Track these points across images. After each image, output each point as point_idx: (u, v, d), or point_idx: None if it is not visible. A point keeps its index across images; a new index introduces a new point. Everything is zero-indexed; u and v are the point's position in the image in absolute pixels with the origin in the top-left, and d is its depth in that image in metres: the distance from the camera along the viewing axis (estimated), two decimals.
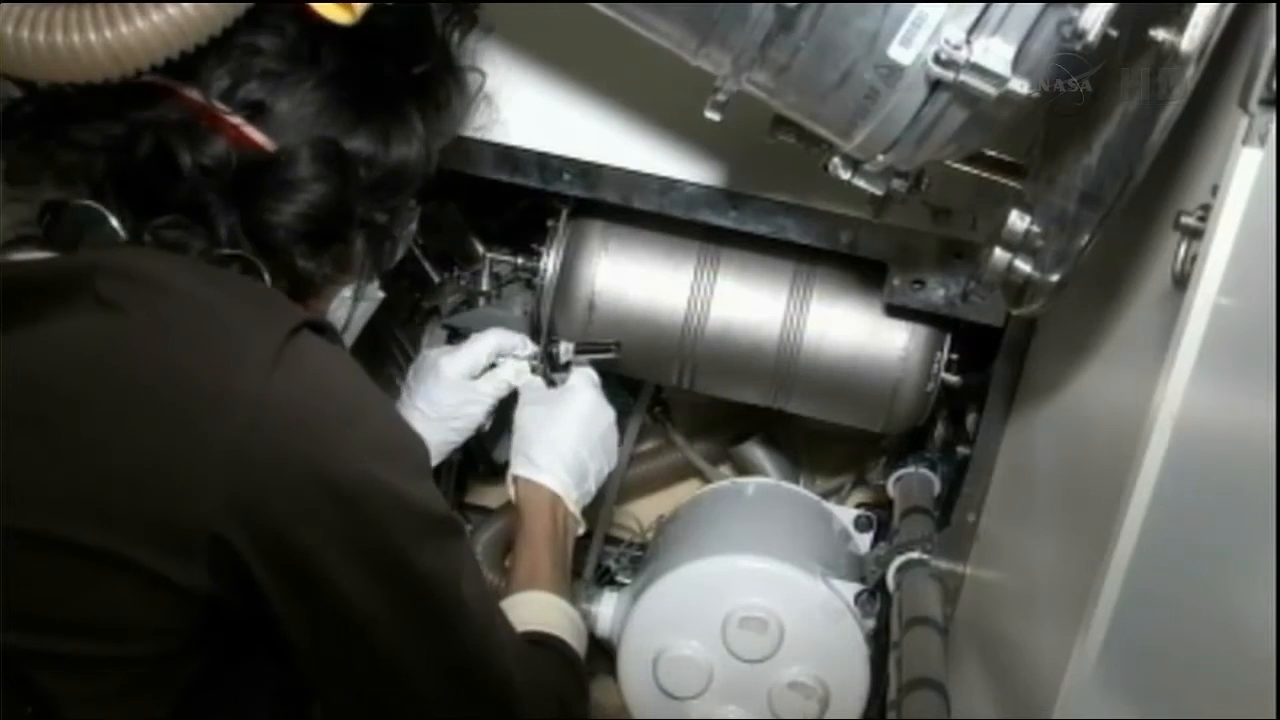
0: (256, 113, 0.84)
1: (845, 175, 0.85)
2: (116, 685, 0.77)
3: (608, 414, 1.20)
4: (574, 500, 1.13)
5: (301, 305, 0.87)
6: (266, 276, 0.85)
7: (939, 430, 1.33)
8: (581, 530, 1.16)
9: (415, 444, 0.85)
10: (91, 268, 0.79)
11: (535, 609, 1.01)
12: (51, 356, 0.77)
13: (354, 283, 0.96)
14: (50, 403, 0.76)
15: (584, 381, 1.21)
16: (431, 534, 0.82)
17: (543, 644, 0.98)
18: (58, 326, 0.78)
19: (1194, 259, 0.67)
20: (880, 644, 1.20)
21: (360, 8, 0.83)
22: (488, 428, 1.21)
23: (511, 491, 1.14)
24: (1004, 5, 0.71)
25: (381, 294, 1.01)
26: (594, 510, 1.26)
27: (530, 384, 1.21)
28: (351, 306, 0.97)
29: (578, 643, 1.02)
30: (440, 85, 0.94)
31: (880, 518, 1.36)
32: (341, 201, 0.87)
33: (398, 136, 0.89)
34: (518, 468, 1.14)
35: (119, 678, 0.77)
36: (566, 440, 1.15)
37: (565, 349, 1.21)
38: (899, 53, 0.73)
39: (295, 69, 0.85)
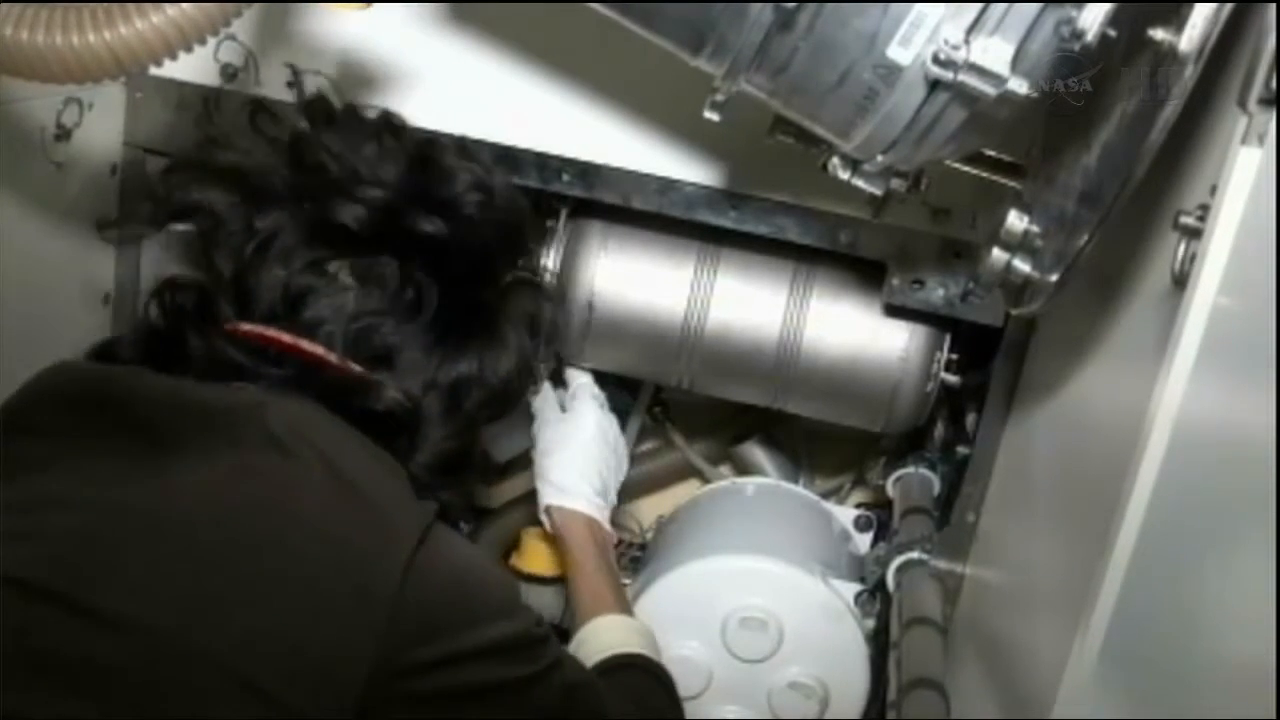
0: (386, 367, 0.87)
1: (844, 175, 0.85)
2: None
3: (614, 425, 1.25)
4: (604, 517, 1.19)
5: None
6: None
7: (939, 430, 1.33)
8: (615, 540, 1.21)
9: (511, 589, 0.89)
10: (260, 406, 0.80)
11: (612, 634, 1.06)
12: (231, 492, 0.77)
13: None
14: (227, 538, 0.75)
15: (587, 396, 1.25)
16: (538, 648, 0.87)
17: (628, 665, 1.03)
18: (237, 462, 0.78)
19: (1193, 259, 0.67)
20: (880, 644, 1.20)
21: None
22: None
23: (547, 522, 1.19)
24: (1003, 5, 0.71)
25: None
26: None
27: (543, 402, 1.24)
28: None
29: (654, 652, 1.07)
30: (527, 296, 0.98)
31: (880, 518, 1.36)
32: (467, 444, 0.93)
33: (497, 355, 0.93)
34: (549, 497, 1.18)
35: None
36: (586, 460, 1.19)
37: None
38: (897, 53, 0.73)
39: (406, 318, 0.88)
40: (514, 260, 0.98)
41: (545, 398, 1.25)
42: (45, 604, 0.70)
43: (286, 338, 0.84)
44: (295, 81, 1.07)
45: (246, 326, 0.85)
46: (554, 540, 1.19)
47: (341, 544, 0.76)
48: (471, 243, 0.91)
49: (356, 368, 0.86)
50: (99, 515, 0.74)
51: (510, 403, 0.98)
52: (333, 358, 0.85)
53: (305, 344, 0.84)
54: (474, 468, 0.98)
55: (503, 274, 0.96)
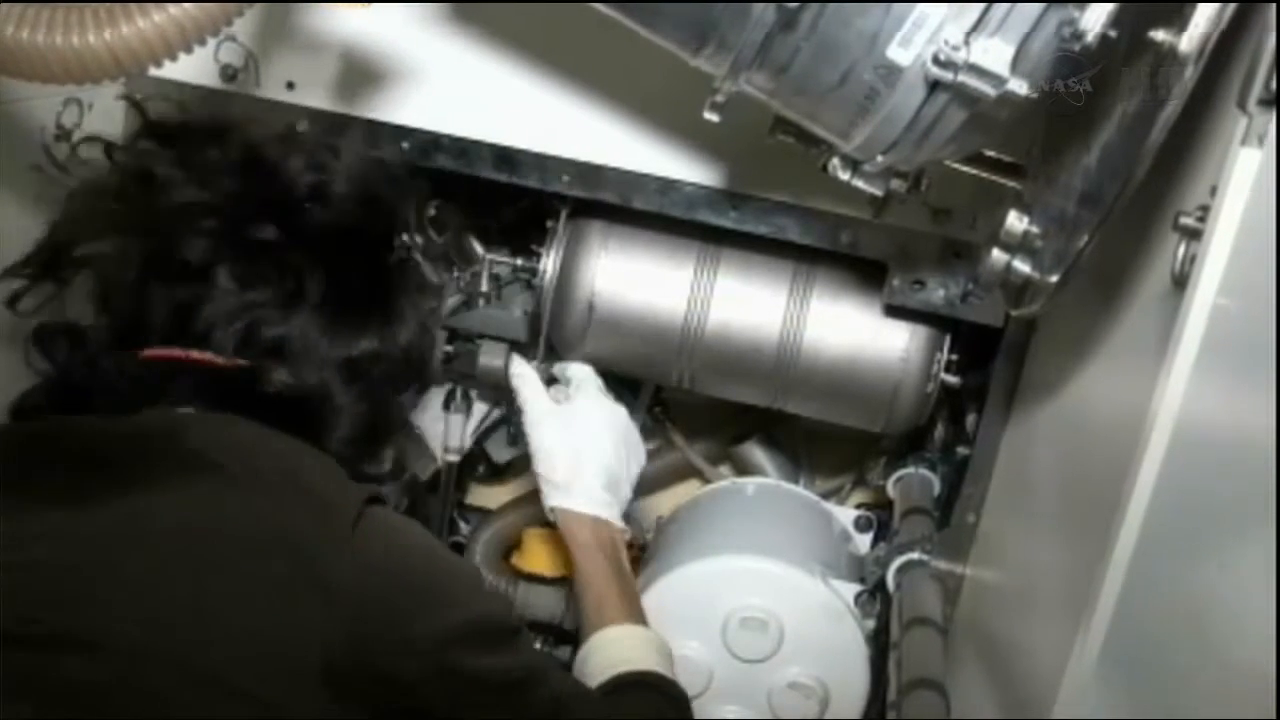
0: (275, 357, 0.88)
1: (845, 175, 0.85)
2: None
3: (620, 414, 1.21)
4: (615, 514, 1.14)
5: None
6: None
7: (939, 430, 1.33)
8: (629, 537, 1.16)
9: (468, 574, 0.91)
10: (177, 427, 0.83)
11: (616, 648, 1.03)
12: (171, 515, 0.79)
13: None
14: (177, 555, 0.77)
15: (590, 388, 1.22)
16: (510, 639, 0.87)
17: (636, 684, 0.99)
18: (169, 489, 0.80)
19: (1193, 259, 0.67)
20: (880, 644, 1.20)
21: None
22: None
23: (550, 516, 1.15)
24: (1004, 6, 0.71)
25: None
26: None
27: (534, 394, 1.21)
28: None
29: (664, 662, 1.03)
30: (415, 267, 0.99)
31: (880, 518, 1.36)
32: (377, 413, 0.94)
33: (394, 328, 0.94)
34: (551, 499, 1.14)
35: None
36: (595, 455, 1.15)
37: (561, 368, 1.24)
38: (898, 53, 0.73)
39: (290, 306, 0.89)
40: (389, 231, 0.97)
41: (534, 394, 1.20)
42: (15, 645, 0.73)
43: (177, 352, 0.87)
44: (136, 104, 1.08)
45: (148, 351, 0.88)
46: (557, 539, 1.17)
47: (282, 535, 0.78)
48: (333, 225, 0.91)
49: (239, 362, 0.87)
50: (54, 551, 0.77)
51: (418, 370, 0.99)
52: (219, 360, 0.87)
53: (194, 354, 0.87)
54: (394, 438, 0.98)
55: (383, 247, 0.96)
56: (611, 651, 1.02)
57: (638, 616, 1.08)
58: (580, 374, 1.24)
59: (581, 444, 1.16)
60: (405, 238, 0.99)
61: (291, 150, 0.94)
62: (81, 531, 0.77)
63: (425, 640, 0.80)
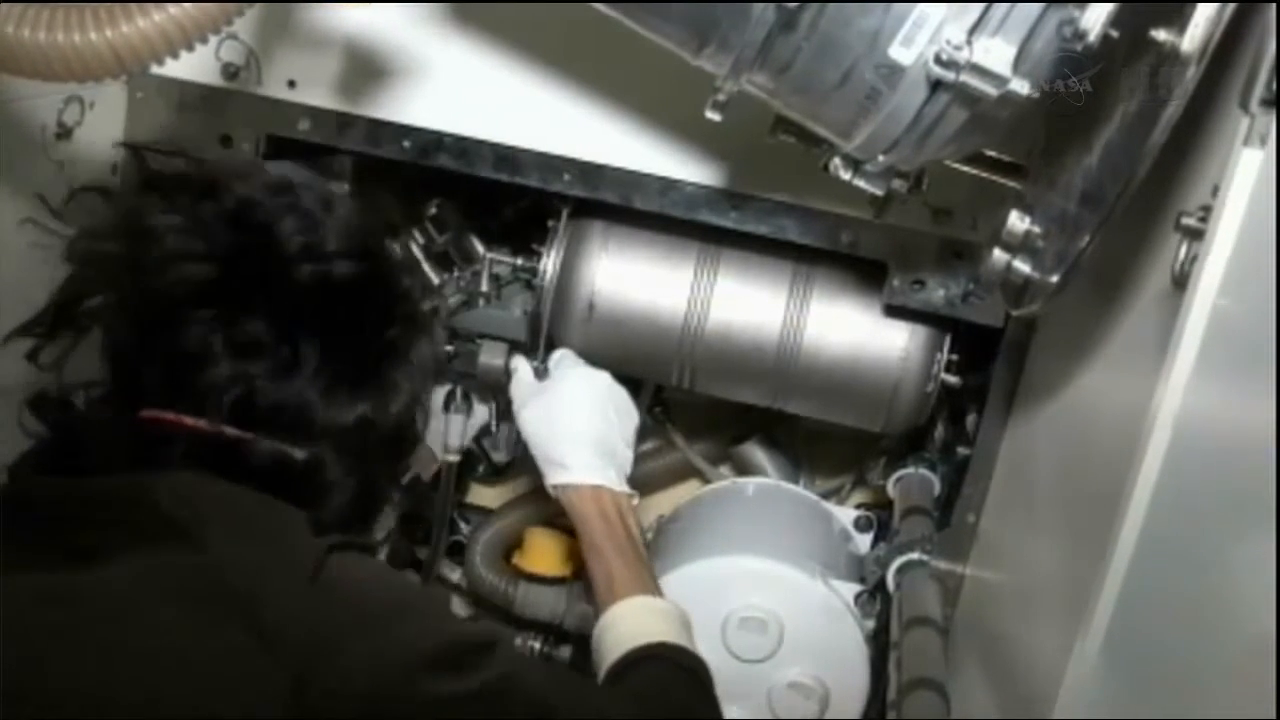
0: (269, 426, 0.87)
1: (846, 175, 0.85)
2: None
3: (600, 378, 1.20)
4: (615, 479, 1.13)
5: None
6: None
7: (939, 430, 1.33)
8: (636, 501, 1.15)
9: (432, 602, 0.89)
10: (149, 488, 0.82)
11: (628, 622, 1.01)
12: (122, 583, 0.78)
13: None
14: (126, 628, 0.76)
15: (566, 362, 1.22)
16: (477, 656, 0.84)
17: (647, 658, 0.97)
18: (127, 553, 0.79)
19: (1194, 260, 0.67)
20: (880, 644, 1.20)
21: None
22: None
23: (552, 494, 1.14)
24: (1005, 5, 0.71)
25: None
26: None
27: (520, 381, 1.21)
28: None
29: (675, 629, 1.01)
30: (409, 338, 0.96)
31: (880, 518, 1.36)
32: (368, 484, 0.93)
33: (386, 399, 0.93)
34: (550, 477, 1.13)
35: None
36: (579, 424, 1.14)
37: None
38: (900, 53, 0.73)
39: (285, 375, 0.88)
40: (385, 292, 0.95)
41: (518, 383, 1.21)
42: None
43: (170, 416, 0.86)
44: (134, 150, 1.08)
45: (145, 412, 0.87)
46: (558, 538, 1.17)
47: (235, 596, 0.77)
48: (327, 287, 0.90)
49: (234, 432, 0.86)
50: (5, 617, 0.76)
51: (406, 448, 0.99)
52: (214, 429, 0.86)
53: (188, 420, 0.86)
54: (384, 507, 0.98)
55: (379, 310, 0.94)
56: (622, 628, 1.00)
57: (648, 585, 1.06)
58: (558, 355, 1.24)
59: (567, 416, 1.15)
60: (401, 309, 0.97)
61: (284, 209, 0.91)
62: (35, 598, 0.77)
63: (388, 681, 0.78)
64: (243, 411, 0.86)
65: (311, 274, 0.88)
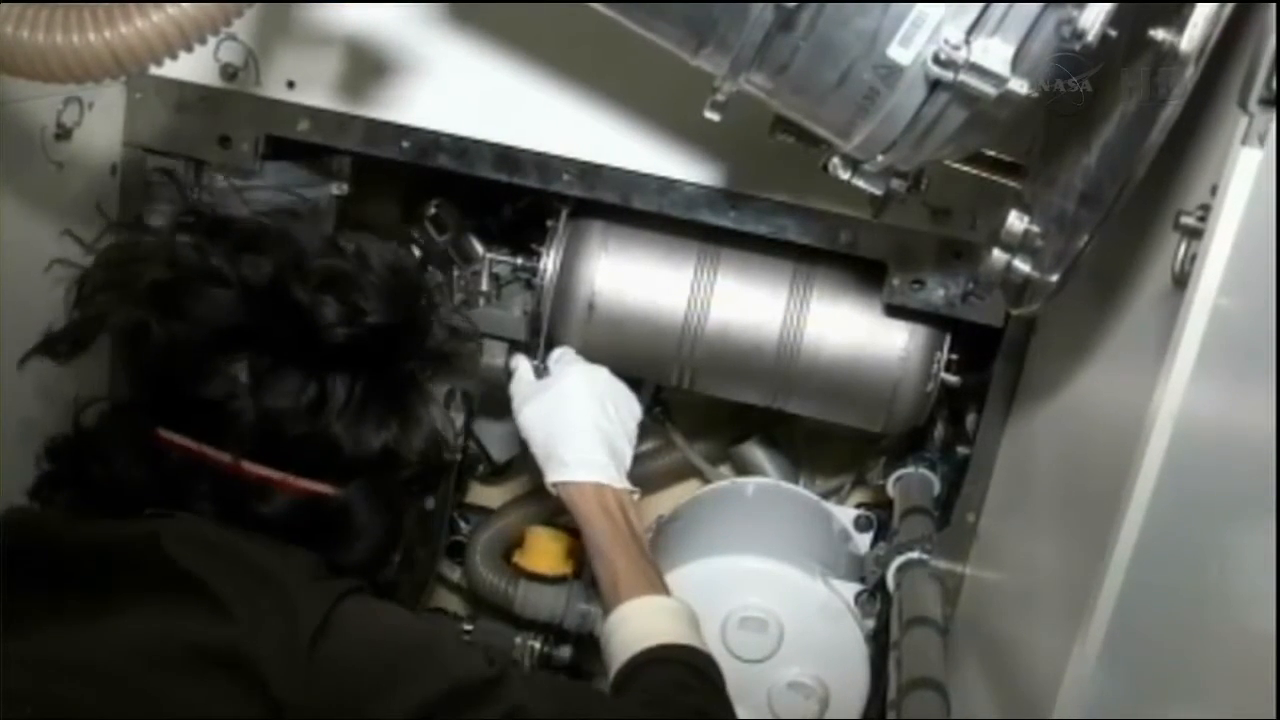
0: (293, 465, 0.87)
1: (845, 175, 0.85)
2: None
3: (600, 374, 1.20)
4: (615, 476, 1.12)
5: None
6: None
7: (939, 430, 1.33)
8: (637, 497, 1.14)
9: (440, 643, 0.86)
10: (154, 537, 0.81)
11: (636, 623, 1.00)
12: (124, 637, 0.78)
13: None
14: (127, 683, 0.76)
15: (565, 358, 1.21)
16: (483, 694, 0.83)
17: (658, 660, 0.96)
18: (129, 605, 0.79)
19: (1193, 259, 0.67)
20: (880, 644, 1.20)
21: None
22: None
23: (553, 492, 1.13)
24: (1003, 5, 0.71)
25: None
26: None
27: (520, 380, 1.21)
28: None
29: (680, 628, 1.00)
30: (442, 372, 0.97)
31: (880, 518, 1.36)
32: (394, 523, 0.92)
33: (412, 431, 0.92)
34: (550, 474, 1.13)
35: None
36: (579, 421, 1.14)
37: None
38: (898, 53, 0.73)
39: (312, 413, 0.87)
40: (414, 339, 0.95)
41: (518, 381, 1.21)
42: None
43: (191, 445, 0.86)
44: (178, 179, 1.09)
45: (164, 434, 0.87)
46: (559, 537, 1.16)
47: (236, 652, 0.76)
48: (360, 339, 0.89)
49: (254, 468, 0.86)
50: (33, 676, 0.76)
51: (432, 477, 0.99)
52: (240, 465, 0.86)
53: (210, 451, 0.86)
54: (407, 544, 0.96)
55: (407, 354, 0.94)
56: (629, 629, 0.99)
57: (654, 582, 1.05)
58: (557, 353, 1.23)
59: (566, 413, 1.15)
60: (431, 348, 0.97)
61: (324, 276, 0.90)
62: (36, 653, 0.77)
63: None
64: (267, 447, 0.86)
65: (343, 336, 0.88)
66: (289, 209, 1.04)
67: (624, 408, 1.19)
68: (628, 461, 1.16)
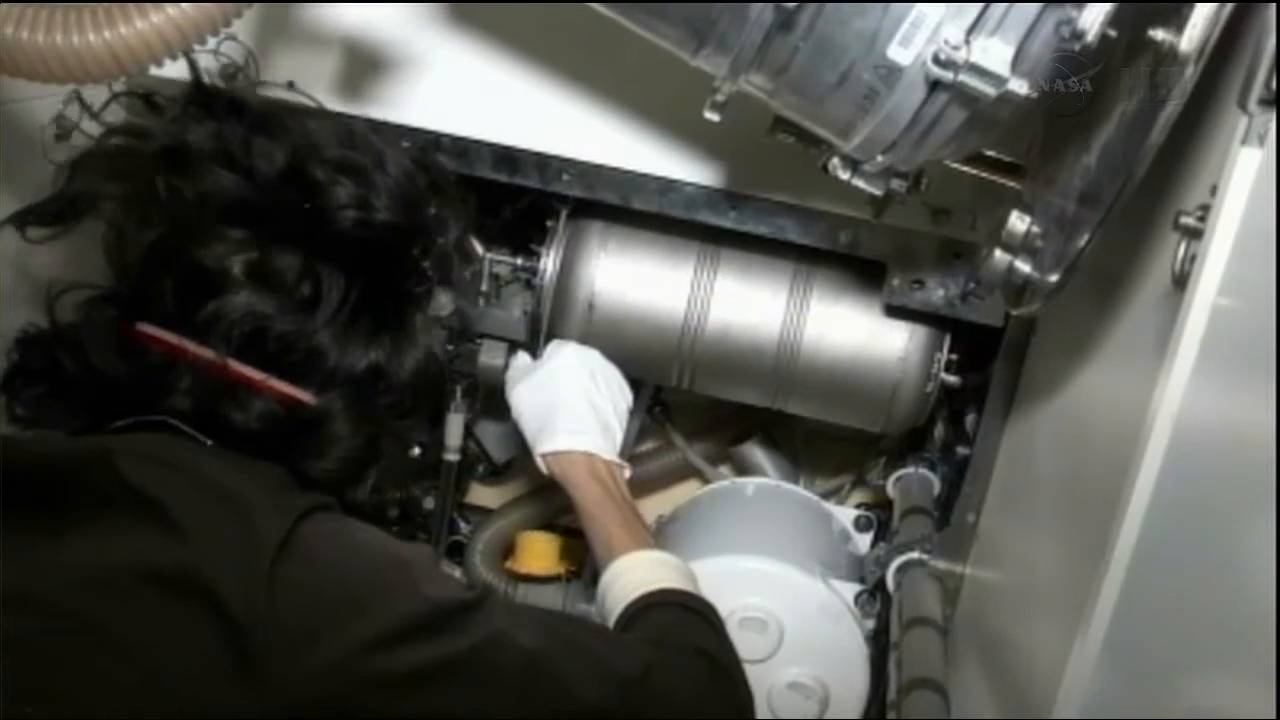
0: (277, 366, 0.84)
1: (845, 175, 0.85)
2: None
3: (591, 354, 1.20)
4: (606, 449, 1.12)
5: None
6: None
7: (939, 430, 1.33)
8: (628, 473, 1.15)
9: (409, 566, 0.82)
10: (109, 454, 0.78)
11: (632, 574, 0.99)
12: (79, 561, 0.75)
13: None
14: (83, 610, 0.73)
15: (559, 343, 1.22)
16: (461, 618, 0.80)
17: (655, 604, 0.96)
18: (85, 527, 0.76)
19: (1193, 259, 0.67)
20: (880, 644, 1.20)
21: None
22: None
23: (544, 468, 1.13)
24: (1003, 5, 0.71)
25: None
26: None
27: (515, 366, 1.22)
28: None
29: (677, 576, 1.00)
30: (431, 294, 0.95)
31: (880, 518, 1.36)
32: (371, 441, 0.89)
33: (403, 350, 0.90)
34: (540, 446, 1.12)
35: None
36: (569, 396, 1.15)
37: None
38: (898, 53, 0.73)
39: (302, 314, 0.85)
40: (420, 254, 0.93)
41: (514, 365, 1.22)
42: None
43: (173, 339, 0.83)
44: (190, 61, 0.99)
45: (145, 327, 0.83)
46: (549, 538, 1.16)
47: (194, 576, 0.73)
48: (364, 242, 0.87)
49: (239, 368, 0.83)
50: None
51: (419, 401, 0.94)
52: (223, 362, 0.82)
53: (191, 347, 0.82)
54: (382, 465, 0.92)
55: (409, 268, 0.92)
56: (625, 580, 0.99)
57: (648, 542, 1.05)
58: (553, 344, 1.24)
59: (557, 387, 1.16)
60: (429, 263, 0.94)
61: (340, 163, 0.88)
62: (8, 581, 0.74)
63: (368, 665, 0.75)
64: (251, 347, 0.83)
65: (352, 221, 0.86)
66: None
67: (615, 387, 1.20)
68: (618, 440, 1.16)
